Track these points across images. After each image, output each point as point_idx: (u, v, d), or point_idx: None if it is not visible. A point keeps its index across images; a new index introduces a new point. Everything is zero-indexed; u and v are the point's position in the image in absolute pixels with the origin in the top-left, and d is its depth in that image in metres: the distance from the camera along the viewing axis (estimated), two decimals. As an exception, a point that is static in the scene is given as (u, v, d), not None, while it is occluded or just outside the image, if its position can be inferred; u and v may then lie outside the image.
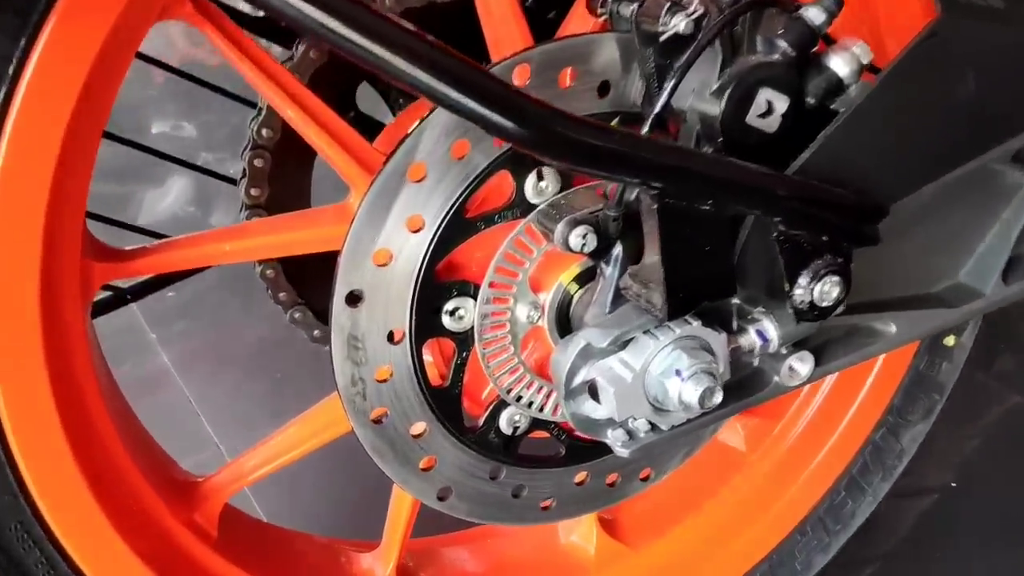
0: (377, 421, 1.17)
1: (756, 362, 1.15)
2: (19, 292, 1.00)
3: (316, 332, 1.64)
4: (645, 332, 1.03)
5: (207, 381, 2.52)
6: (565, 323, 1.20)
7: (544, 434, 1.30)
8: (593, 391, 1.07)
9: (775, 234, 0.99)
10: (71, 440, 1.08)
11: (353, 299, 1.10)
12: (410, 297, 1.12)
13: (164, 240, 1.20)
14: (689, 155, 0.93)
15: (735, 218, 1.01)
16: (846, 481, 1.67)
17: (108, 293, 1.61)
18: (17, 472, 1.05)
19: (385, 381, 1.15)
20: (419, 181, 1.07)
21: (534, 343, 1.23)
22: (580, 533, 1.58)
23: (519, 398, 1.24)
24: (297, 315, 1.61)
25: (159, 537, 1.23)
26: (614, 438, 1.09)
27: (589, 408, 1.08)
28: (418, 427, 1.20)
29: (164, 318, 2.77)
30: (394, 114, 1.60)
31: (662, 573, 1.65)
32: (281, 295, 1.58)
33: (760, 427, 1.69)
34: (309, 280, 1.60)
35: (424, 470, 1.23)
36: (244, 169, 1.49)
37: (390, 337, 1.13)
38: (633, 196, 0.97)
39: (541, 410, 1.26)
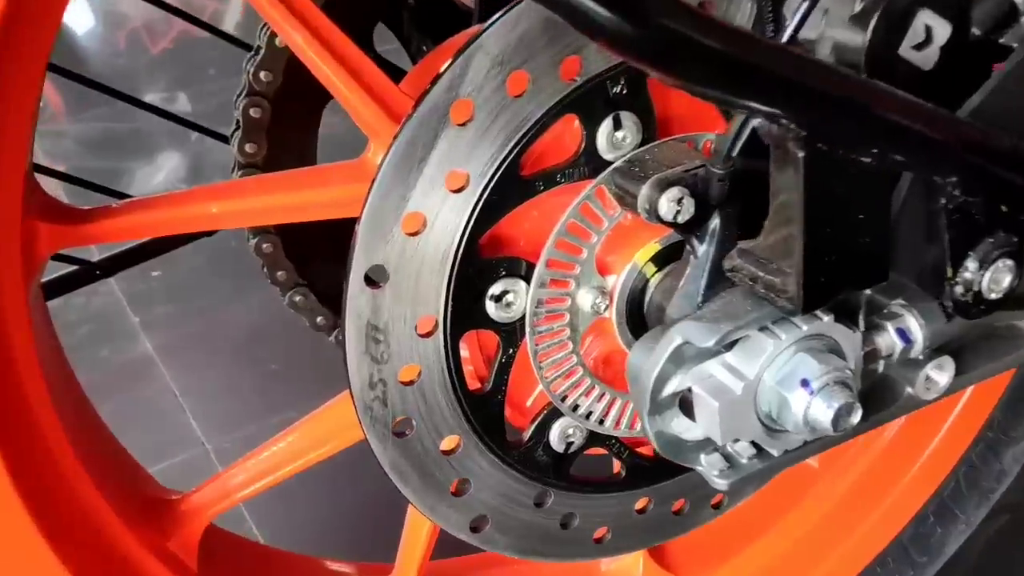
0: (400, 433, 0.92)
1: (882, 370, 0.91)
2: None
3: (319, 319, 1.40)
4: (762, 329, 0.78)
5: (194, 372, 2.30)
6: (637, 315, 0.95)
7: (600, 451, 1.05)
8: (686, 404, 0.82)
9: (943, 201, 0.74)
10: (2, 447, 0.83)
11: (375, 277, 0.85)
12: (447, 277, 0.87)
13: (134, 199, 0.94)
14: (863, 84, 0.67)
15: (893, 179, 0.75)
16: (935, 505, 1.47)
17: (74, 267, 1.35)
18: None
19: (411, 383, 0.90)
20: (463, 124, 0.82)
21: (593, 338, 0.99)
22: (623, 560, 1.34)
23: (575, 407, 0.99)
24: (297, 298, 1.36)
25: (119, 570, 0.98)
26: (710, 465, 0.85)
27: (679, 426, 0.83)
28: (450, 441, 0.95)
29: (148, 301, 2.55)
30: (414, 62, 1.35)
31: (718, 609, 1.42)
32: (279, 274, 1.33)
33: (836, 441, 1.45)
34: (313, 257, 1.35)
35: (455, 494, 0.98)
36: (237, 120, 1.23)
37: (419, 327, 0.88)
38: (764, 138, 0.71)
39: (601, 422, 1.01)
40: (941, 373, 0.91)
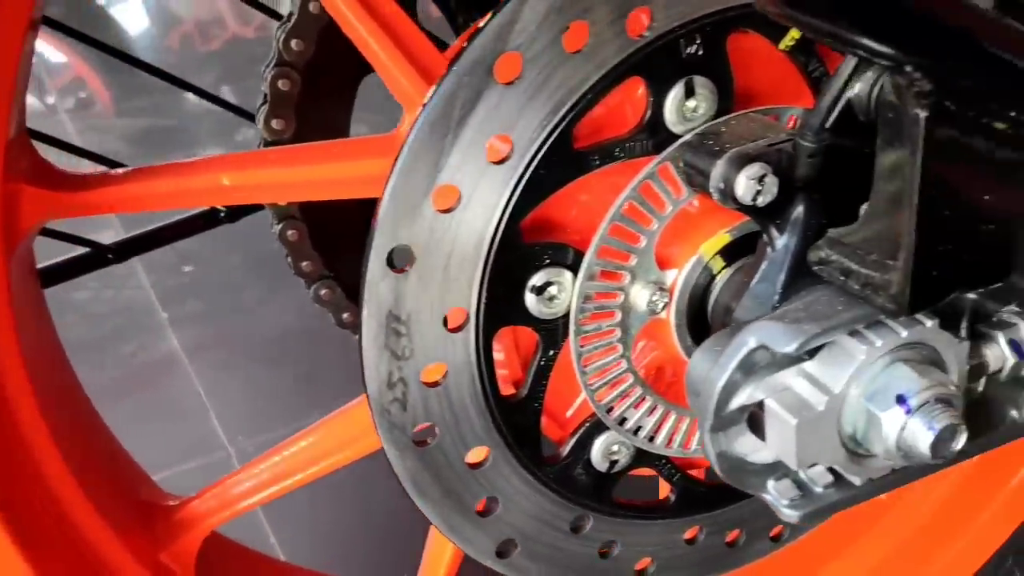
0: (421, 442, 0.80)
1: (983, 387, 0.77)
2: None
3: (346, 315, 1.29)
4: (852, 333, 0.66)
5: (221, 372, 2.21)
6: (699, 317, 0.83)
7: (648, 472, 0.93)
8: (755, 421, 0.70)
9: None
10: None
11: (399, 259, 0.73)
12: (482, 262, 0.76)
13: (136, 167, 0.84)
14: (1007, 27, 0.54)
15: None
16: (1016, 548, 1.31)
17: (85, 250, 1.25)
18: None
19: (436, 384, 0.79)
20: (511, 83, 0.70)
21: (647, 343, 0.86)
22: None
23: (622, 420, 0.87)
24: (323, 291, 1.26)
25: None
26: (779, 493, 0.72)
27: (746, 446, 0.70)
28: (477, 453, 0.83)
29: (178, 296, 2.46)
30: (457, 35, 1.24)
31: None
32: (304, 264, 1.23)
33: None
34: (341, 247, 1.24)
35: (481, 514, 0.86)
36: (265, 94, 1.13)
37: (448, 321, 0.76)
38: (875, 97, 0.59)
39: (651, 439, 0.89)
40: (1054, 396, 0.78)
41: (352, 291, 1.28)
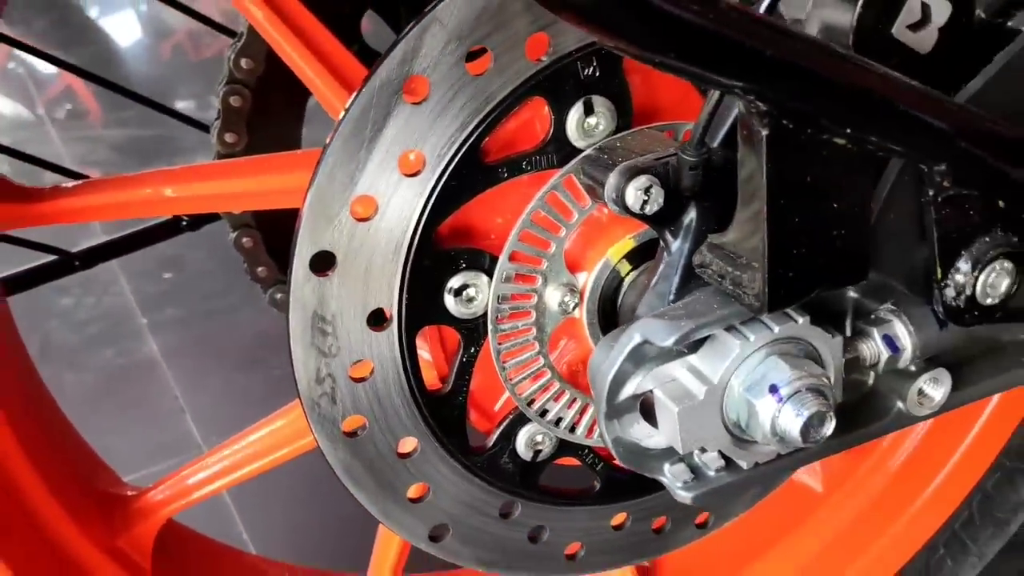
0: (351, 434, 0.87)
1: (872, 381, 0.84)
2: None
3: (302, 319, 1.34)
4: (728, 329, 0.72)
5: (198, 375, 2.27)
6: (610, 316, 0.90)
7: (573, 461, 0.99)
8: (647, 409, 0.76)
9: (932, 192, 0.68)
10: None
11: (321, 264, 0.80)
12: (401, 266, 0.82)
13: (86, 180, 0.90)
14: (830, 51, 0.60)
15: (876, 165, 0.69)
16: (946, 536, 1.38)
17: (52, 258, 1.31)
18: None
19: (363, 379, 0.85)
20: (419, 103, 0.77)
21: (567, 341, 0.93)
22: (610, 581, 1.27)
23: (543, 412, 0.93)
24: (279, 296, 1.31)
25: (63, 566, 0.93)
26: (673, 476, 0.78)
27: (640, 432, 0.77)
28: (407, 444, 0.90)
29: (158, 302, 2.52)
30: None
31: (710, 635, 1.35)
32: (259, 270, 1.29)
33: (842, 463, 1.37)
34: (295, 253, 1.29)
35: (413, 501, 0.92)
36: (218, 110, 1.19)
37: (372, 320, 0.83)
38: (729, 123, 0.65)
39: (572, 430, 0.95)
40: (936, 387, 0.84)
41: (308, 295, 1.34)
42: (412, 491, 0.92)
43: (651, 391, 0.75)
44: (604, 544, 1.06)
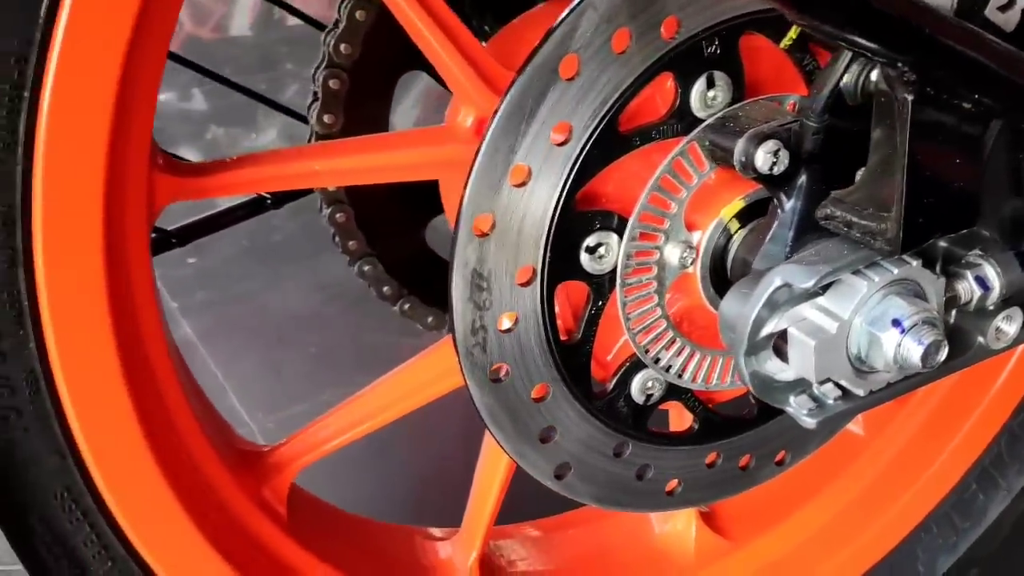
0: (496, 380, 0.96)
1: (954, 319, 0.95)
2: (81, 203, 0.79)
3: (385, 288, 1.44)
4: (855, 272, 0.83)
5: (235, 355, 2.33)
6: (720, 271, 1.00)
7: (676, 405, 1.10)
8: (778, 348, 0.87)
9: (1029, 151, 0.79)
10: (131, 389, 0.87)
11: (483, 227, 0.89)
12: (547, 228, 0.92)
13: (243, 155, 0.99)
14: (972, 32, 0.72)
15: (985, 125, 0.80)
16: (978, 473, 1.50)
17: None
18: (66, 426, 0.84)
19: (509, 331, 0.95)
20: (571, 79, 0.87)
21: (677, 294, 1.03)
22: (676, 525, 1.39)
23: (657, 360, 1.04)
24: (366, 268, 1.40)
25: (227, 517, 1.02)
26: (799, 405, 0.89)
27: (773, 367, 0.88)
28: (540, 389, 1.00)
29: (186, 287, 2.57)
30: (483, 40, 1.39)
31: (767, 574, 1.45)
32: (350, 243, 1.38)
33: (882, 409, 1.49)
34: (383, 229, 1.39)
35: (543, 441, 1.02)
36: (315, 92, 1.28)
37: (521, 276, 0.93)
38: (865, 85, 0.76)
39: (680, 375, 1.05)
40: (1010, 323, 0.96)
41: (391, 268, 1.43)
42: (541, 432, 1.03)
43: (786, 329, 0.86)
44: (698, 481, 1.16)
